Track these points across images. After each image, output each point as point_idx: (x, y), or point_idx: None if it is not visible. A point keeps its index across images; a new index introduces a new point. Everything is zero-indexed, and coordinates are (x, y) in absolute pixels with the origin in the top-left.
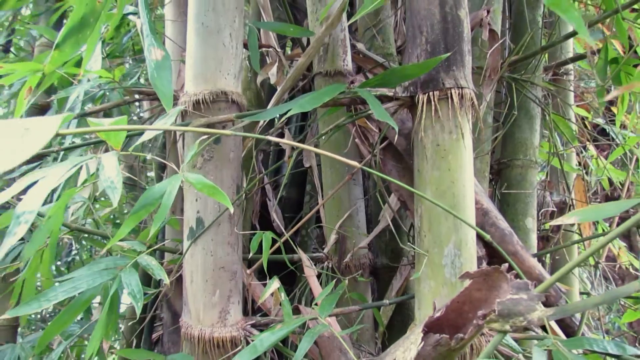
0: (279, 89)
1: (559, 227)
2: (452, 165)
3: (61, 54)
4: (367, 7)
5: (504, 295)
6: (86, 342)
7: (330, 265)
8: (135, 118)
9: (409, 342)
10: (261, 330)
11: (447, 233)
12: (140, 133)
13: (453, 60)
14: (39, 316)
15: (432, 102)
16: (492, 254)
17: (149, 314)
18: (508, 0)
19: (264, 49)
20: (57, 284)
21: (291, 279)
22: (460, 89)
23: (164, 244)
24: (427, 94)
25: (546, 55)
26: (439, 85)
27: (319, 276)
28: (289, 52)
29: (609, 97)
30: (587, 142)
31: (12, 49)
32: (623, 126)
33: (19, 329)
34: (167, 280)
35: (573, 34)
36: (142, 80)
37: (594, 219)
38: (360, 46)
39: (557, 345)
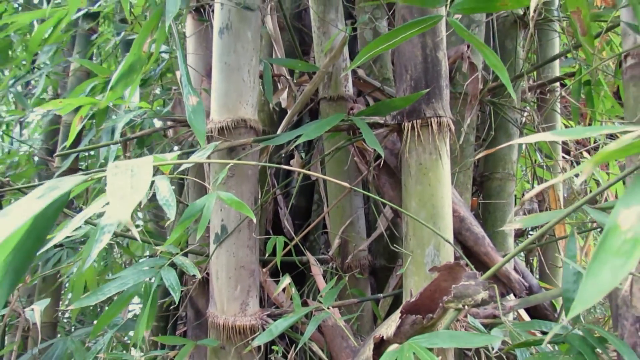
0: (289, 112)
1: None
2: (432, 180)
3: (114, 93)
4: (361, 58)
5: None
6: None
7: (334, 266)
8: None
9: (390, 321)
10: (275, 320)
11: (428, 237)
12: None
13: (432, 94)
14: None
15: (416, 129)
16: (468, 254)
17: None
18: (492, 32)
19: (275, 77)
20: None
21: (301, 279)
22: (438, 118)
23: (188, 248)
24: (411, 122)
25: (535, 75)
26: (421, 114)
27: (324, 275)
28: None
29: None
30: (571, 155)
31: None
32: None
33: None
34: (199, 275)
35: (542, 64)
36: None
37: (531, 225)
38: (361, 72)
39: (507, 325)
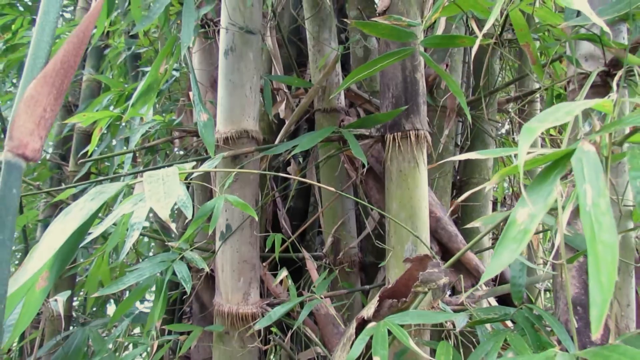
0: (286, 122)
1: None
2: (410, 185)
3: (134, 109)
4: (349, 80)
5: None
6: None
7: (327, 262)
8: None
9: (371, 304)
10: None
11: (406, 234)
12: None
13: (411, 110)
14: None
15: (396, 140)
16: (444, 250)
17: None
18: (470, 50)
19: (274, 90)
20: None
21: (298, 274)
22: (416, 131)
23: (194, 245)
24: (392, 134)
25: (517, 85)
26: (401, 128)
27: (318, 270)
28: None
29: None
30: None
31: None
32: None
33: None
34: (207, 269)
35: (514, 81)
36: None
37: (487, 224)
38: (352, 86)
39: (470, 309)
